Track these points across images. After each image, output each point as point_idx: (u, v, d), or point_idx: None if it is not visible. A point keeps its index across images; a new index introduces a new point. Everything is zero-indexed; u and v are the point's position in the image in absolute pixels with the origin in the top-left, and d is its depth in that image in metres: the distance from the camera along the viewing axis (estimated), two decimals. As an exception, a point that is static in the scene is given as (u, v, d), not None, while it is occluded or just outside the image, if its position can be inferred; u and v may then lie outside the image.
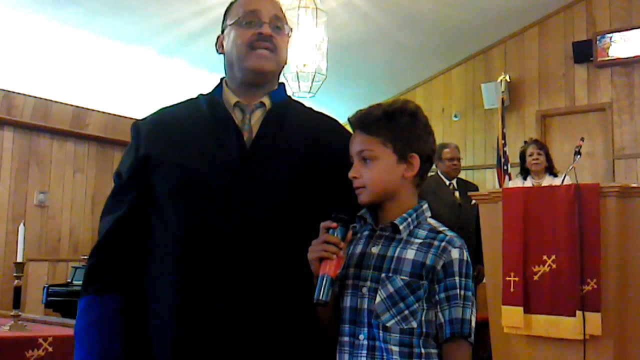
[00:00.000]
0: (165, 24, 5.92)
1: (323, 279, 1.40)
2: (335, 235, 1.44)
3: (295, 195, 1.53)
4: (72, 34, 5.82)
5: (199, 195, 1.51)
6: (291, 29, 1.71)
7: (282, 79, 1.74)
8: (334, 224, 1.44)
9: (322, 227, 1.45)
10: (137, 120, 1.69)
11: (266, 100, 1.64)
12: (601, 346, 3.07)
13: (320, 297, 1.39)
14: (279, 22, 1.64)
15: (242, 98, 1.62)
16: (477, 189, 5.46)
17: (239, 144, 1.55)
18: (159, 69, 6.62)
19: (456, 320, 1.42)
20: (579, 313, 3.07)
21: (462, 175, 6.59)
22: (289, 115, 1.64)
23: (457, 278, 1.44)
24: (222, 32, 1.69)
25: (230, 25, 1.65)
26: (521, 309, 3.23)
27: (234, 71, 1.64)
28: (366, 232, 1.55)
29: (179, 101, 1.72)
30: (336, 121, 1.74)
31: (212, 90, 1.69)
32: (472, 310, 1.45)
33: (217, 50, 1.71)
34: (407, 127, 1.50)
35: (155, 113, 1.69)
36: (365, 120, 1.52)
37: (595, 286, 3.05)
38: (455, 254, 1.45)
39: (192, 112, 1.64)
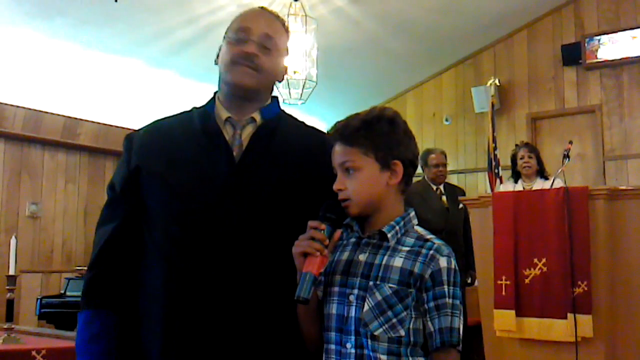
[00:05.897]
0: (155, 33, 5.92)
1: (306, 277, 1.40)
2: (322, 233, 1.44)
3: (283, 211, 1.53)
4: (61, 45, 5.81)
5: (186, 212, 1.51)
6: (287, 50, 1.70)
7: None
8: (323, 225, 1.44)
9: (309, 226, 1.45)
10: (129, 131, 1.69)
11: (257, 116, 1.63)
12: (593, 348, 3.09)
13: (302, 295, 1.39)
14: (268, 41, 1.61)
15: (234, 113, 1.62)
16: (464, 193, 5.49)
17: (227, 160, 1.55)
18: (150, 79, 6.60)
19: (446, 329, 1.43)
20: (570, 315, 3.08)
21: (454, 178, 6.63)
22: (279, 131, 1.63)
23: (445, 287, 1.44)
24: None
25: (224, 39, 1.65)
26: (513, 312, 3.24)
27: (223, 85, 1.65)
28: (353, 240, 1.54)
29: (173, 113, 1.72)
30: (327, 136, 1.72)
31: (205, 104, 1.68)
32: (460, 319, 1.45)
33: (215, 62, 1.69)
34: (387, 134, 1.50)
35: (148, 125, 1.69)
36: (345, 132, 1.51)
37: (586, 288, 3.07)
38: (443, 262, 1.45)
39: (184, 126, 1.64)
